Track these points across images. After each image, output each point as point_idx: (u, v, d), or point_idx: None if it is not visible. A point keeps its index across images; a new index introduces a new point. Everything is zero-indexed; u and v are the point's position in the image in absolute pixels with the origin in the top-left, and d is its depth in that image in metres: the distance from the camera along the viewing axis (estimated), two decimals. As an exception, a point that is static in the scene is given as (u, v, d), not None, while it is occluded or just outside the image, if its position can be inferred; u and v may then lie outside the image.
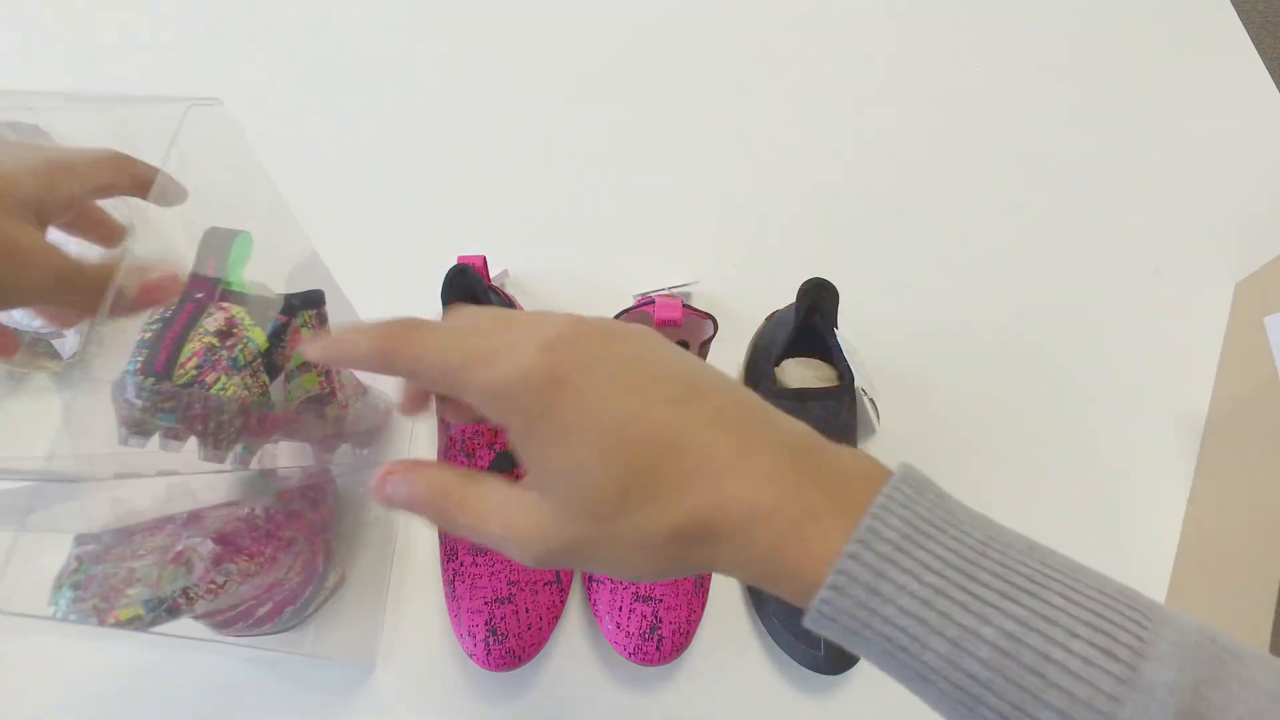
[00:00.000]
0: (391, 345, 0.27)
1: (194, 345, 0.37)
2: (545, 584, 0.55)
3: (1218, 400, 0.65)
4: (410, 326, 0.27)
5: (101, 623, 0.35)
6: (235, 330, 0.39)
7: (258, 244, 0.41)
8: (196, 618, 0.43)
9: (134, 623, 0.36)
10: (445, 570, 0.56)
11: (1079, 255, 0.71)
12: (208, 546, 0.40)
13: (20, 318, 0.56)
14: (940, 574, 0.23)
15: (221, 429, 0.39)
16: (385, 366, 0.27)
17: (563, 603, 0.56)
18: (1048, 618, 0.23)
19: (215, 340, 0.38)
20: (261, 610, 0.47)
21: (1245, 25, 0.81)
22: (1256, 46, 0.80)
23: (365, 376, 0.56)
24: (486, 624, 0.53)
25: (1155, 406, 0.65)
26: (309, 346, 0.29)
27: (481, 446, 0.54)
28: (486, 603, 0.53)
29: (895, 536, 0.24)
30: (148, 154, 0.34)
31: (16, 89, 0.35)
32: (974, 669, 0.23)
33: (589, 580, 0.57)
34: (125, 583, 0.36)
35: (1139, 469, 0.63)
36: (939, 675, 0.23)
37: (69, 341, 0.58)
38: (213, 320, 0.38)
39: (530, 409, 0.25)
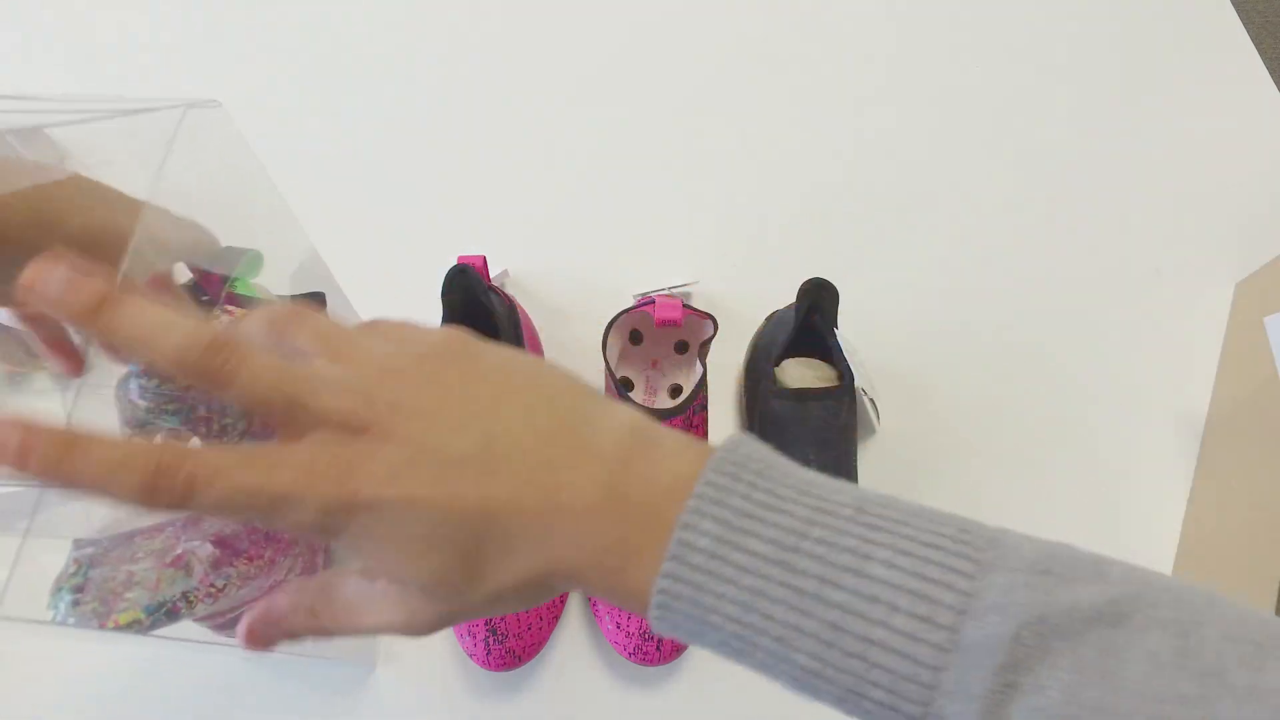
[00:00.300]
0: (168, 493, 0.23)
1: None
2: (545, 584, 0.55)
3: (1218, 400, 0.65)
4: (189, 465, 0.23)
5: (101, 626, 0.35)
6: None
7: (260, 245, 0.40)
8: (196, 620, 0.43)
9: (134, 626, 0.36)
10: (445, 570, 0.56)
11: (1079, 255, 0.71)
12: (206, 549, 0.40)
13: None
14: (757, 573, 0.24)
15: (225, 431, 0.38)
16: (166, 510, 0.24)
17: (563, 603, 0.56)
18: (870, 596, 0.23)
19: None
20: None
21: (1245, 25, 0.81)
22: (1256, 46, 0.80)
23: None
24: (486, 624, 0.53)
25: (1155, 406, 0.65)
26: (25, 449, 0.22)
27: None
28: (486, 603, 0.53)
29: (708, 543, 0.24)
30: (151, 158, 0.34)
31: (22, 93, 0.34)
32: (803, 662, 0.23)
33: (589, 580, 0.57)
34: (124, 586, 0.36)
35: (1139, 469, 0.63)
36: (773, 670, 0.24)
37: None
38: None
39: (344, 537, 0.25)
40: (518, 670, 0.55)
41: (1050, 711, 0.21)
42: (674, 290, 0.64)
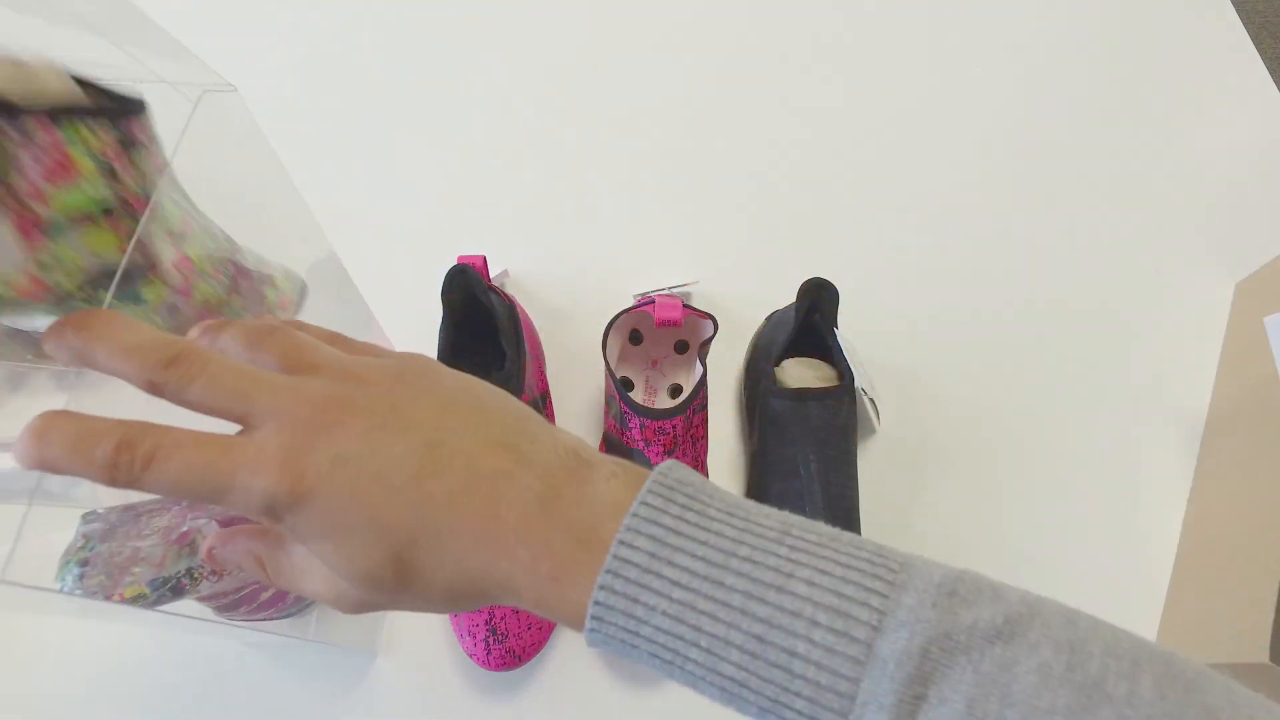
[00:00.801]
0: (128, 468, 0.24)
1: None
2: (545, 584, 0.55)
3: (1218, 400, 0.65)
4: (149, 441, 0.25)
5: (107, 599, 0.35)
6: None
7: (276, 237, 0.40)
8: (201, 599, 0.43)
9: (139, 600, 0.36)
10: (445, 570, 0.56)
11: (1079, 255, 0.71)
12: (212, 528, 0.40)
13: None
14: (688, 587, 0.25)
15: None
16: (126, 486, 0.25)
17: (563, 603, 0.56)
18: (792, 611, 0.24)
19: None
20: (265, 595, 0.47)
21: (1245, 25, 0.81)
22: (1256, 46, 0.80)
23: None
24: (486, 624, 0.53)
25: (1155, 406, 0.65)
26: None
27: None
28: (486, 603, 0.53)
29: (643, 559, 0.25)
30: (164, 135, 0.33)
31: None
32: (730, 672, 0.25)
33: (589, 580, 0.57)
34: (130, 561, 0.37)
35: (1139, 469, 0.63)
36: (703, 681, 0.25)
37: (69, 341, 0.58)
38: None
39: (287, 522, 0.26)
40: (518, 670, 0.55)
41: None
42: (674, 290, 0.64)
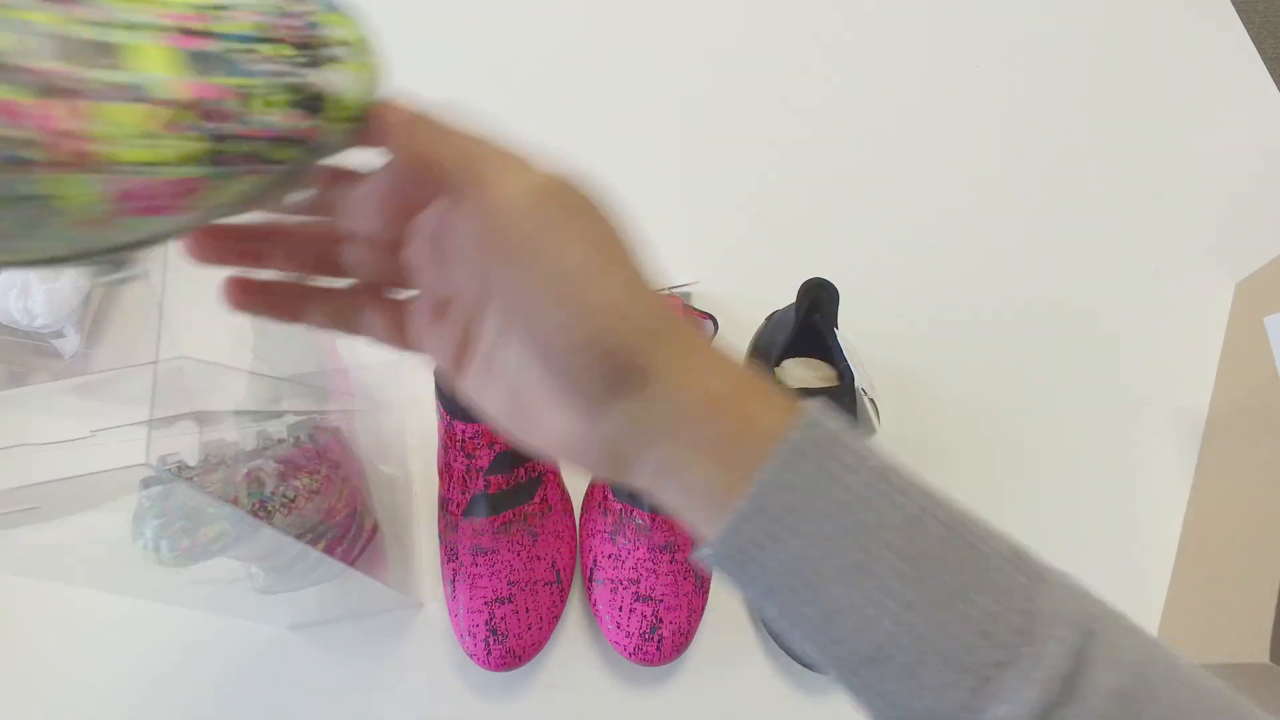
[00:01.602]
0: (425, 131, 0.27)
1: None
2: (545, 584, 0.55)
3: (1218, 400, 0.65)
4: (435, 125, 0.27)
5: (193, 543, 0.36)
6: None
7: None
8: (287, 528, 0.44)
9: (222, 538, 0.37)
10: (445, 570, 0.56)
11: (1079, 255, 0.71)
12: (271, 465, 0.42)
13: (19, 317, 0.56)
14: (884, 460, 0.24)
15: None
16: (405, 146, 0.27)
17: (563, 603, 0.56)
18: (971, 516, 0.25)
19: None
20: (333, 533, 0.48)
21: (1245, 25, 0.81)
22: (1257, 46, 0.80)
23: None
24: (487, 624, 0.53)
25: (1155, 406, 0.65)
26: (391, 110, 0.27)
27: (482, 446, 0.54)
28: (486, 603, 0.53)
29: (836, 427, 0.24)
30: None
31: None
32: (936, 532, 0.24)
33: (589, 580, 0.57)
34: (205, 503, 0.37)
35: (1139, 469, 0.63)
36: (892, 550, 0.23)
37: (69, 341, 0.58)
38: None
39: (534, 226, 0.25)
40: (518, 670, 0.55)
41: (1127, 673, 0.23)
42: (674, 290, 0.64)
